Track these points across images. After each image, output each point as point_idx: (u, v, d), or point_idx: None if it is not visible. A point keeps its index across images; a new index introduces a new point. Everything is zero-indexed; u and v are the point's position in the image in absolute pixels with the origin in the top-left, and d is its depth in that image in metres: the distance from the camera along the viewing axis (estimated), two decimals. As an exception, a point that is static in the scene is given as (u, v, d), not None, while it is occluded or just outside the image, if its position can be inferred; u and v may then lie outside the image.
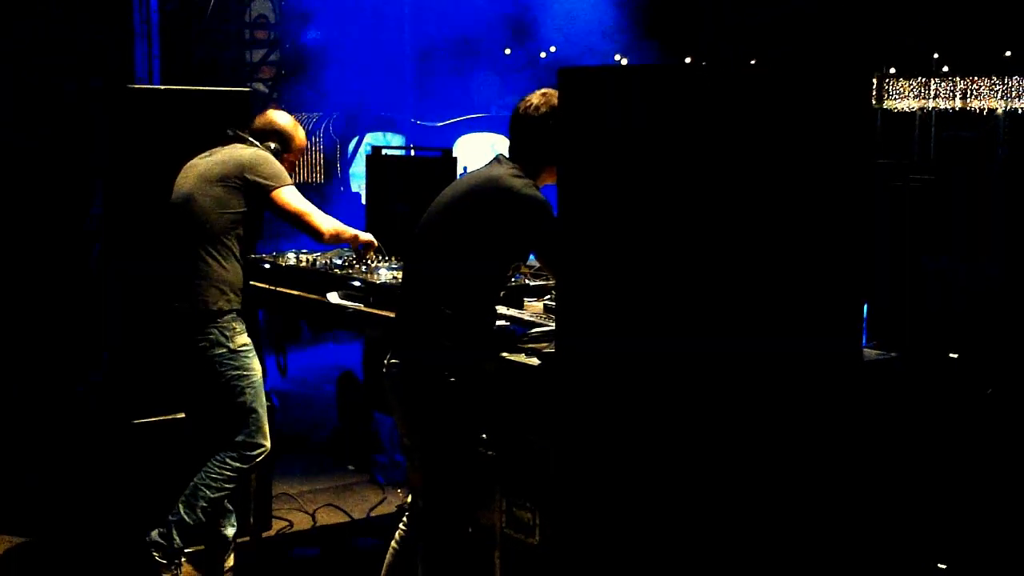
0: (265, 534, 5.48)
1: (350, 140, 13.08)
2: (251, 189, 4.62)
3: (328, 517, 5.81)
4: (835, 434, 2.90)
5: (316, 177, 13.06)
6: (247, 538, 5.24)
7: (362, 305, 4.69)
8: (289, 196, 4.65)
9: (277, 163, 4.70)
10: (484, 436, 4.26)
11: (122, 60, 7.94)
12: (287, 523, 5.69)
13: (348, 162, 12.99)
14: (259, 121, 4.85)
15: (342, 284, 4.84)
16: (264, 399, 4.74)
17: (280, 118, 4.88)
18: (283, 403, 7.35)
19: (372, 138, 12.72)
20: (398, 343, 4.01)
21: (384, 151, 6.62)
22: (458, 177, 4.16)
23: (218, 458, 4.63)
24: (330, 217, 4.74)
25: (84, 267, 5.73)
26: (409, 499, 4.24)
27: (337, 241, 4.79)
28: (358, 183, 12.34)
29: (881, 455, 3.54)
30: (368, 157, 6.41)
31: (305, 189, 6.77)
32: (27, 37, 6.63)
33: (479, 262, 3.87)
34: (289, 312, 5.26)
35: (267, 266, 5.12)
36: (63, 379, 5.74)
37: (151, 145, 5.20)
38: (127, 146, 5.25)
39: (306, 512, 5.85)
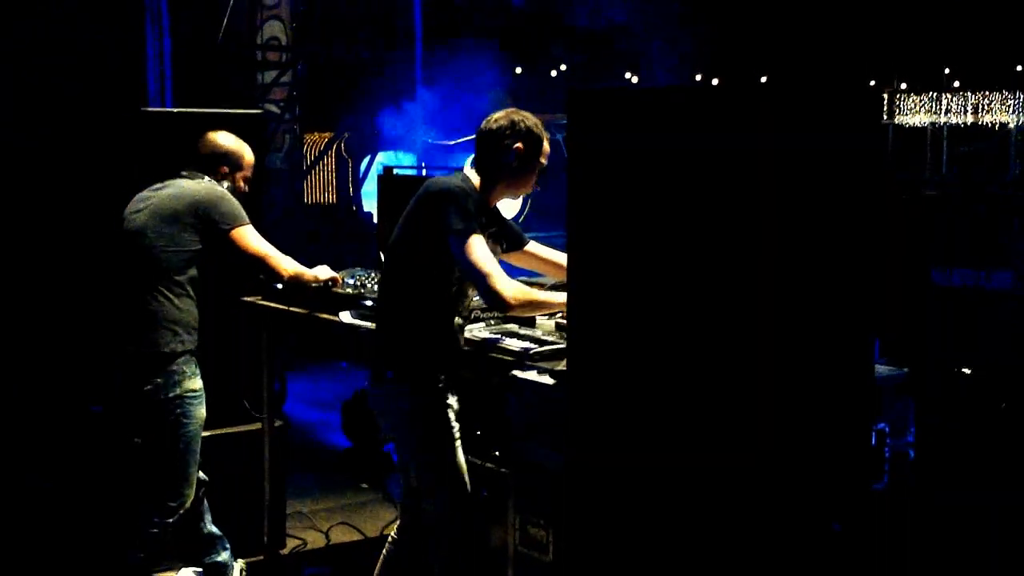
0: (279, 552, 5.49)
1: (362, 160, 13.13)
2: (207, 228, 4.47)
3: (342, 535, 5.81)
4: (848, 453, 2.90)
5: (328, 197, 13.11)
6: (261, 556, 5.25)
7: (374, 324, 4.71)
8: (249, 237, 4.50)
9: (234, 201, 4.54)
10: (496, 453, 4.28)
11: (135, 83, 7.99)
12: (301, 541, 5.70)
13: (360, 182, 13.04)
14: (203, 148, 4.67)
15: (354, 304, 4.86)
16: (198, 449, 4.56)
17: (223, 139, 4.71)
18: (296, 421, 7.39)
19: (384, 157, 12.76)
20: (371, 361, 4.10)
21: (396, 171, 6.65)
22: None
23: (142, 518, 4.49)
24: (289, 258, 4.63)
25: (95, 284, 5.75)
26: (398, 522, 4.34)
27: (297, 282, 4.69)
28: (370, 203, 12.38)
29: (894, 474, 3.54)
30: (380, 177, 6.43)
31: (316, 210, 6.78)
32: (38, 61, 6.68)
33: (417, 268, 3.94)
34: (302, 332, 5.27)
35: (280, 286, 5.14)
36: (77, 397, 5.76)
37: (165, 168, 5.22)
38: (141, 169, 5.26)
39: (319, 530, 5.86)
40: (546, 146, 4.07)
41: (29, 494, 5.71)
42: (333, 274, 4.82)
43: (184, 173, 4.63)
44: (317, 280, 4.76)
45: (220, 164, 4.65)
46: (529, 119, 4.02)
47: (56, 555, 5.34)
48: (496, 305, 3.92)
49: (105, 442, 5.53)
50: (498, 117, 4.02)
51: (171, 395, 4.44)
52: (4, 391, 5.88)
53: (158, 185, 4.62)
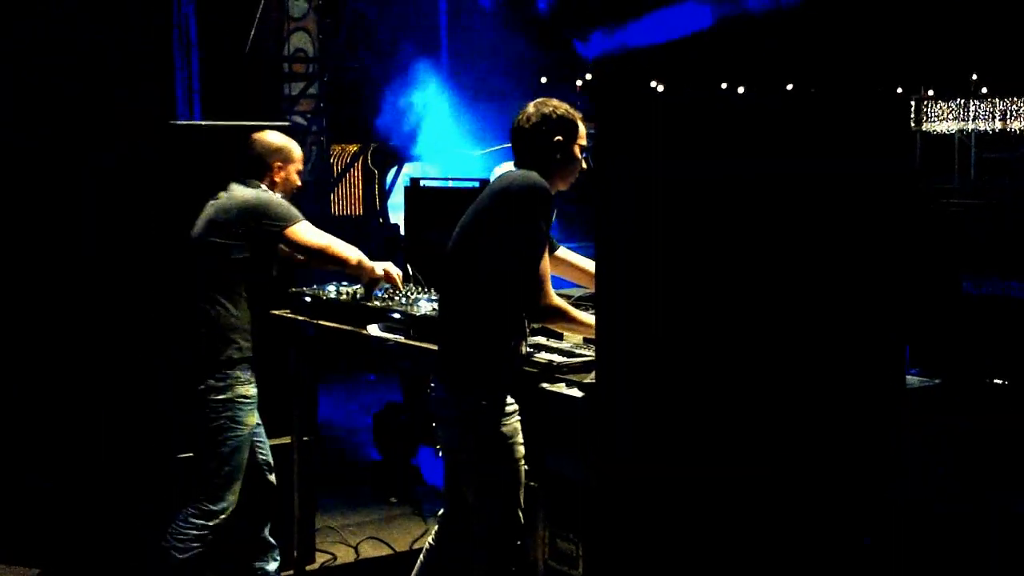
0: (309, 567, 5.48)
1: (388, 172, 13.15)
2: (261, 233, 4.53)
3: (371, 550, 5.81)
4: (880, 463, 2.88)
5: (354, 209, 13.14)
6: (291, 572, 5.25)
7: (402, 337, 4.70)
8: (306, 231, 4.56)
9: (284, 202, 4.60)
10: (525, 466, 4.27)
11: (163, 96, 8.03)
12: (331, 556, 5.69)
13: (387, 193, 13.06)
14: (253, 149, 4.72)
15: (382, 316, 4.86)
16: (245, 457, 4.61)
17: (271, 137, 4.77)
18: (324, 435, 7.38)
19: (411, 169, 12.78)
20: (436, 367, 4.05)
21: (422, 182, 6.66)
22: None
23: (182, 516, 4.54)
24: (352, 247, 4.66)
25: (125, 300, 5.78)
26: (440, 512, 4.27)
27: (360, 270, 4.70)
28: (397, 215, 12.40)
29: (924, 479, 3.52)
30: (407, 189, 6.44)
31: (343, 221, 6.80)
32: (66, 73, 6.73)
33: (491, 270, 3.88)
34: (330, 345, 5.27)
35: (308, 299, 5.14)
36: (105, 412, 5.79)
37: (193, 180, 5.25)
38: (169, 181, 5.29)
39: (349, 545, 5.85)
40: (582, 127, 4.04)
41: (40, 494, 5.74)
42: (395, 271, 4.79)
43: (239, 180, 4.67)
44: (375, 275, 4.74)
45: (273, 160, 4.70)
46: (560, 106, 4.00)
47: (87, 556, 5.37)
48: (537, 313, 3.92)
49: (137, 454, 5.55)
50: (530, 114, 3.99)
51: (222, 398, 4.49)
52: (17, 394, 5.93)
53: (217, 194, 4.67)
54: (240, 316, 4.54)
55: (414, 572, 4.32)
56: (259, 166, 4.70)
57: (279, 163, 4.71)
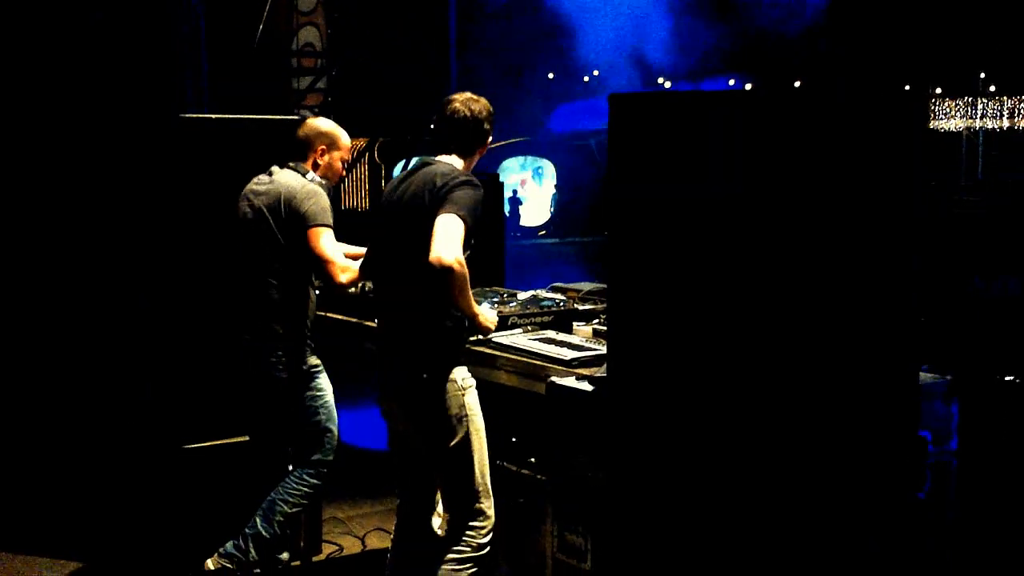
0: (315, 558, 5.50)
1: (395, 165, 13.14)
2: (294, 221, 4.65)
3: (378, 541, 5.81)
4: (891, 461, 2.88)
5: (361, 203, 13.12)
6: (297, 562, 5.27)
7: (385, 320, 4.71)
8: (323, 238, 4.65)
9: (326, 202, 4.72)
10: (533, 459, 4.27)
11: (172, 90, 8.04)
12: (337, 547, 5.70)
13: (394, 188, 13.06)
14: (301, 132, 4.88)
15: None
16: (336, 417, 4.84)
17: (319, 122, 4.96)
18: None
19: (417, 162, 12.78)
20: (380, 352, 4.20)
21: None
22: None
23: (296, 474, 4.77)
24: (351, 270, 4.66)
25: (134, 294, 5.79)
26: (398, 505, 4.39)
27: (340, 290, 4.82)
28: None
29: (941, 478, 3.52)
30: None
31: (351, 215, 6.82)
32: (74, 67, 6.73)
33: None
34: (343, 338, 5.29)
35: (318, 292, 5.16)
36: (112, 404, 5.80)
37: (202, 174, 5.26)
38: (179, 175, 5.31)
39: (356, 536, 5.87)
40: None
41: (47, 484, 5.76)
42: None
43: (290, 164, 4.82)
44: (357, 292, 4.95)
45: (317, 144, 4.84)
46: (480, 100, 4.22)
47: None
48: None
49: (147, 444, 5.56)
50: (469, 102, 4.19)
51: (295, 371, 4.69)
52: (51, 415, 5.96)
53: (264, 177, 4.81)
54: (295, 298, 4.70)
55: (387, 572, 4.40)
56: (303, 148, 4.85)
57: (323, 147, 4.85)
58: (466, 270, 3.83)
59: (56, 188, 6.03)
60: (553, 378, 3.96)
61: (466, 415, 4.03)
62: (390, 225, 4.12)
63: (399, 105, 11.97)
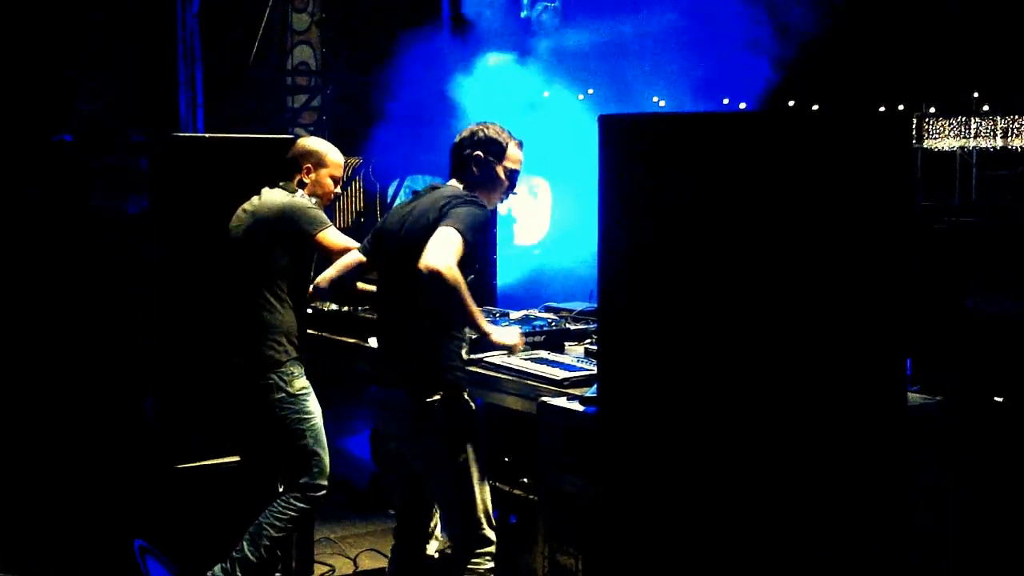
0: (307, 579, 5.49)
1: (389, 184, 13.16)
2: (294, 238, 4.67)
3: (370, 562, 5.80)
4: (881, 481, 2.88)
5: (354, 221, 13.13)
6: (289, 583, 5.26)
7: (385, 338, 4.71)
8: (332, 237, 4.69)
9: (313, 209, 4.75)
10: (525, 479, 4.27)
11: (166, 109, 8.06)
12: (329, 568, 5.69)
13: (389, 206, 13.07)
14: (289, 152, 4.91)
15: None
16: (325, 440, 4.81)
17: (308, 141, 4.97)
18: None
19: (412, 182, 12.79)
20: (379, 375, 4.15)
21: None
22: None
23: (283, 499, 4.73)
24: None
25: (132, 312, 5.80)
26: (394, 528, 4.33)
27: None
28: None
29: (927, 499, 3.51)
30: (409, 202, 6.43)
31: (345, 233, 6.82)
32: (72, 87, 6.76)
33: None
34: (332, 356, 5.29)
35: (310, 311, 5.16)
36: (109, 421, 5.80)
37: (197, 193, 5.27)
38: (173, 194, 5.31)
39: (347, 557, 5.85)
40: (512, 151, 4.23)
41: (39, 505, 5.75)
42: None
43: (280, 184, 4.84)
44: None
45: (303, 163, 4.86)
46: (490, 128, 4.21)
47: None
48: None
49: (140, 463, 5.55)
50: (474, 128, 4.22)
51: (283, 395, 4.67)
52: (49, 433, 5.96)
53: (255, 198, 4.83)
54: (286, 316, 4.69)
55: None
56: (291, 167, 4.87)
57: (309, 165, 4.86)
58: (459, 277, 3.78)
59: (56, 201, 6.04)
60: (544, 398, 3.96)
61: (470, 440, 4.00)
62: (393, 247, 4.11)
63: (395, 123, 11.98)
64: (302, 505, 4.74)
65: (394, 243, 4.10)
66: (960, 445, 3.67)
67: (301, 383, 4.73)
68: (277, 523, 4.70)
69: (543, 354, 4.49)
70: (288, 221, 4.66)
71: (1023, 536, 3.97)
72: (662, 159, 2.90)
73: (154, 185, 5.48)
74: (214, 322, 5.00)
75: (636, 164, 2.97)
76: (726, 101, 12.22)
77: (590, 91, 12.18)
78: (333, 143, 4.99)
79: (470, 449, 3.99)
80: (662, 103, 12.16)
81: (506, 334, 4.18)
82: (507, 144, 4.21)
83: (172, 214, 5.31)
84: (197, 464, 5.26)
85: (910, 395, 3.60)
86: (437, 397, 3.94)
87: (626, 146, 3.00)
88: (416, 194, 4.24)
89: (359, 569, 5.72)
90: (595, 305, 5.06)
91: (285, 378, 4.67)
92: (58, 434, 5.92)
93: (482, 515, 4.02)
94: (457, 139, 4.25)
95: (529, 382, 4.15)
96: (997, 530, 4.03)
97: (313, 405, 4.78)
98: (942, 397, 3.67)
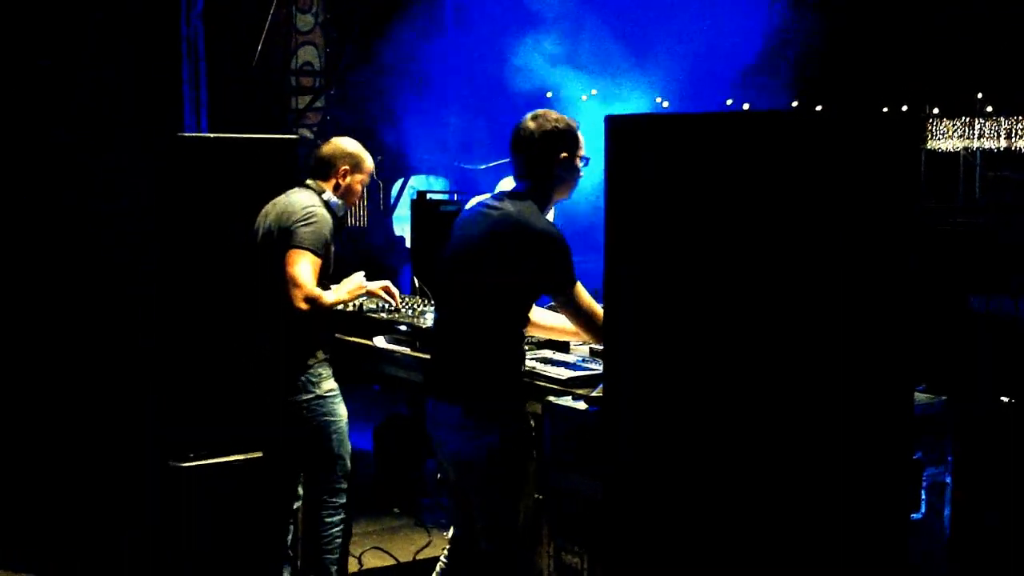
0: (312, 578, 5.49)
1: (393, 184, 13.17)
2: (285, 237, 4.57)
3: (374, 560, 5.81)
4: (887, 480, 2.88)
5: (359, 221, 13.15)
6: (295, 583, 5.26)
7: (408, 349, 4.73)
8: (300, 262, 4.51)
9: (322, 229, 4.61)
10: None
11: (171, 109, 8.06)
12: (333, 567, 5.69)
13: (392, 206, 13.09)
14: (325, 150, 4.83)
15: (388, 328, 4.88)
16: (349, 444, 4.78)
17: (345, 142, 4.88)
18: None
19: (416, 181, 12.80)
20: (439, 387, 4.04)
21: (429, 195, 6.68)
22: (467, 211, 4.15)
23: (320, 527, 4.73)
24: (315, 298, 4.55)
25: (132, 312, 5.80)
26: (450, 532, 4.28)
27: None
28: (401, 227, 12.42)
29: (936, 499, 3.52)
30: (413, 201, 6.46)
31: (348, 233, 6.83)
32: (75, 85, 6.77)
33: (506, 302, 3.90)
34: (336, 355, 5.29)
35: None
36: (109, 421, 5.81)
37: (202, 193, 5.27)
38: (176, 194, 5.31)
39: (352, 555, 5.84)
40: (581, 137, 4.02)
41: (35, 501, 5.76)
42: (348, 284, 4.79)
43: (308, 182, 4.77)
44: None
45: (341, 164, 4.78)
46: (560, 119, 3.97)
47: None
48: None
49: (135, 461, 5.55)
50: (531, 129, 3.93)
51: (310, 397, 4.62)
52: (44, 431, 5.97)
53: (281, 196, 4.75)
54: (313, 317, 4.58)
55: None
56: (326, 167, 4.79)
57: (346, 168, 4.78)
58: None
59: (58, 201, 6.05)
60: (549, 397, 3.96)
61: (515, 460, 3.95)
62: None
63: (397, 124, 11.99)
64: (334, 518, 4.73)
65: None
66: (966, 444, 3.67)
67: (329, 384, 4.69)
68: (328, 547, 4.71)
69: (548, 354, 4.49)
70: (295, 222, 4.58)
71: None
72: (668, 159, 2.90)
73: (156, 185, 5.49)
74: (221, 319, 4.97)
75: (642, 164, 2.97)
76: (729, 102, 12.22)
77: (593, 91, 12.18)
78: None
79: (517, 480, 3.96)
80: (665, 103, 12.15)
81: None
82: (576, 132, 3.99)
83: (174, 214, 5.31)
84: (197, 464, 5.26)
85: (916, 395, 3.60)
86: (494, 421, 3.92)
87: (632, 146, 3.00)
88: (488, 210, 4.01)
89: (364, 567, 5.73)
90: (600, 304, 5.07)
91: (314, 379, 4.64)
92: (58, 434, 5.92)
93: (522, 532, 3.97)
94: (529, 138, 3.95)
95: (534, 382, 4.15)
96: (1000, 529, 4.03)
97: (341, 408, 4.74)
98: (947, 397, 3.67)
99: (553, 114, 4.00)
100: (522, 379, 4.01)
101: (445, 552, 4.30)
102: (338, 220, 4.75)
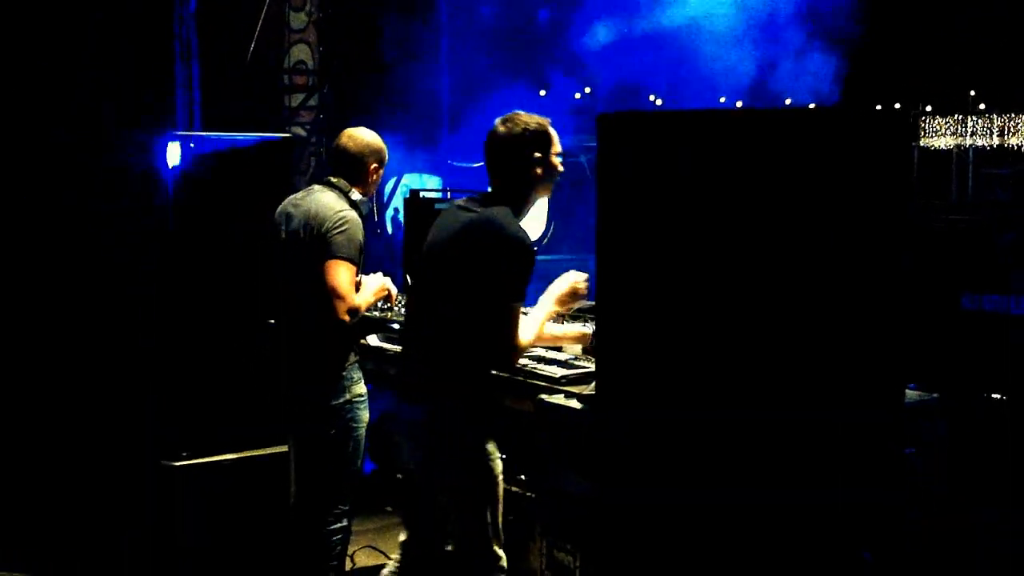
0: (305, 576, 5.49)
1: (386, 182, 13.17)
2: (321, 245, 4.45)
3: (367, 559, 5.81)
4: (878, 477, 2.88)
5: (353, 220, 13.14)
6: (286, 580, 5.26)
7: (412, 348, 4.71)
8: (340, 273, 4.41)
9: (356, 234, 4.50)
10: (523, 477, 4.27)
11: (164, 108, 8.05)
12: (327, 565, 5.69)
13: (384, 205, 13.09)
14: (353, 146, 4.62)
15: (382, 327, 4.87)
16: (363, 451, 4.66)
17: (369, 135, 4.69)
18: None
19: (409, 179, 12.80)
20: (405, 387, 4.04)
21: (422, 193, 6.67)
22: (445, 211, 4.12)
23: (323, 530, 4.63)
24: (357, 307, 4.49)
25: (132, 312, 5.79)
26: (403, 535, 4.22)
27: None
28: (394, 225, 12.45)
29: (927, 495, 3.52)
30: (406, 200, 6.45)
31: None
32: (71, 86, 6.76)
33: (473, 303, 3.86)
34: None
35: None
36: (109, 421, 5.80)
37: (196, 192, 5.26)
38: (173, 193, 5.30)
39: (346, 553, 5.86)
40: (554, 134, 3.98)
41: (31, 501, 5.76)
42: (372, 287, 4.71)
43: (332, 180, 4.59)
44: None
45: (371, 160, 4.60)
46: (530, 120, 3.95)
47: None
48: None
49: (128, 460, 5.54)
50: (502, 133, 3.93)
51: (340, 400, 4.50)
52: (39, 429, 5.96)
53: (303, 194, 4.60)
54: (340, 320, 4.44)
55: None
56: (358, 164, 4.59)
57: (376, 163, 4.63)
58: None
59: (58, 201, 6.04)
60: (542, 396, 3.96)
61: (490, 459, 3.90)
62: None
63: (391, 121, 11.99)
64: (340, 525, 4.65)
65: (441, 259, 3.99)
66: (957, 441, 3.68)
67: (359, 389, 4.58)
68: (331, 552, 4.62)
69: (540, 352, 4.49)
70: (324, 230, 4.44)
71: (1019, 531, 3.98)
72: (660, 157, 2.90)
73: (153, 184, 5.48)
74: (218, 318, 4.92)
75: (634, 162, 2.97)
76: (723, 100, 12.24)
77: (587, 90, 12.18)
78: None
79: (491, 468, 3.90)
80: (659, 101, 12.16)
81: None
82: (549, 131, 3.97)
83: (171, 213, 5.30)
84: (197, 463, 5.26)
85: (907, 392, 3.61)
86: (470, 417, 3.88)
87: (624, 144, 3.00)
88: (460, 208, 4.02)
89: (356, 566, 5.72)
90: (593, 303, 5.07)
91: (345, 383, 4.54)
92: (57, 434, 5.91)
93: (492, 533, 3.90)
94: (500, 142, 3.95)
95: (527, 380, 4.15)
96: (992, 526, 4.04)
97: (364, 413, 4.63)
98: (939, 394, 3.68)
99: (523, 116, 3.97)
100: (491, 378, 3.96)
101: (396, 557, 4.22)
102: (363, 217, 4.63)
